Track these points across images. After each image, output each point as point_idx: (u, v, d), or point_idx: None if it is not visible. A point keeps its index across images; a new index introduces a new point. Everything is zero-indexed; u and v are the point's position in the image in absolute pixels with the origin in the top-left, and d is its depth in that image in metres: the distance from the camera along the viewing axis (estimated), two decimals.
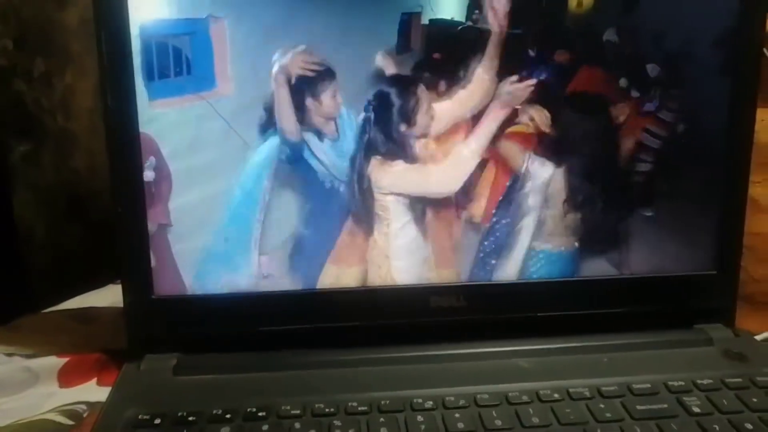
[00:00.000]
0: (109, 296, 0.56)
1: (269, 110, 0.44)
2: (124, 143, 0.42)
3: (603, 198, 0.48)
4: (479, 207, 0.47)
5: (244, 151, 0.44)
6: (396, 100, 0.45)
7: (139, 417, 0.39)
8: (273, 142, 0.45)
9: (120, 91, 0.42)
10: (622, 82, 0.46)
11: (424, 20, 0.44)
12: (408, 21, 0.44)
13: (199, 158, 0.44)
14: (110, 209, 0.43)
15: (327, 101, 0.45)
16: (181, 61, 0.43)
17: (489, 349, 0.46)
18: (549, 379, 0.43)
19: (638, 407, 0.40)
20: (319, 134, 0.45)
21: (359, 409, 0.40)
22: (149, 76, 0.42)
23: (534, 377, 0.43)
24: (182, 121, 0.43)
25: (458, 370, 0.44)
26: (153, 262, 0.44)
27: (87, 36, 0.72)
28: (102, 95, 0.42)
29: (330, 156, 0.46)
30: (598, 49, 0.46)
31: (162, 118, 0.43)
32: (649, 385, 0.42)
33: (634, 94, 0.47)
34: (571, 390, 0.42)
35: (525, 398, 0.41)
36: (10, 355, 0.48)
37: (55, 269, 0.78)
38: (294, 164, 0.45)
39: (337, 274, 0.46)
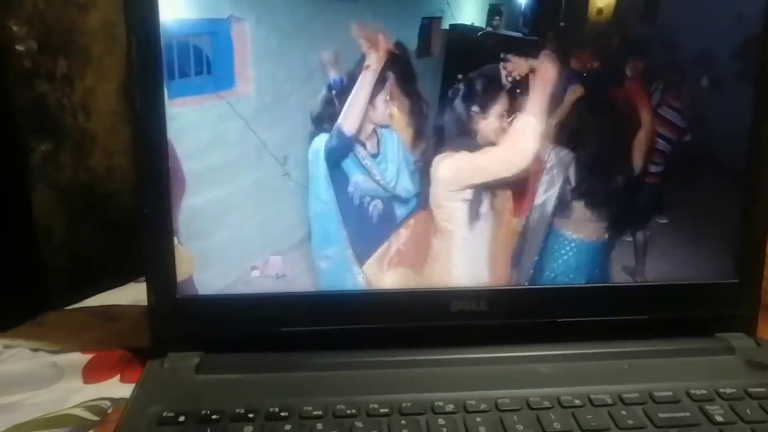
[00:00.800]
0: (131, 294, 0.57)
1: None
2: (150, 143, 0.43)
3: (623, 202, 0.48)
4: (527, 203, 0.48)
5: (261, 150, 0.44)
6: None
7: (164, 414, 0.39)
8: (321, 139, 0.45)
9: (147, 92, 0.42)
10: (644, 83, 0.46)
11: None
12: (428, 25, 0.44)
13: (217, 157, 0.44)
14: (128, 209, 0.44)
15: (380, 104, 0.45)
16: (202, 60, 0.43)
17: (509, 354, 0.46)
18: (570, 385, 0.43)
19: (660, 415, 0.40)
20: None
21: (381, 411, 0.40)
22: (170, 75, 0.42)
23: (555, 383, 0.43)
24: (201, 120, 0.43)
25: (479, 374, 0.44)
26: (177, 262, 0.44)
27: (108, 39, 0.73)
28: (131, 95, 0.43)
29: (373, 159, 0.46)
30: (623, 52, 0.46)
31: (180, 118, 0.43)
32: (670, 393, 0.42)
33: (655, 97, 0.47)
34: (592, 396, 0.42)
35: (546, 404, 0.41)
36: (35, 350, 0.48)
37: (73, 268, 0.79)
38: (338, 164, 0.46)
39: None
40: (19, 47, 0.69)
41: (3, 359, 0.47)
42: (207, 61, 0.43)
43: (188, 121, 0.43)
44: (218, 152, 0.44)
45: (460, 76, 0.45)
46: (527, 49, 0.45)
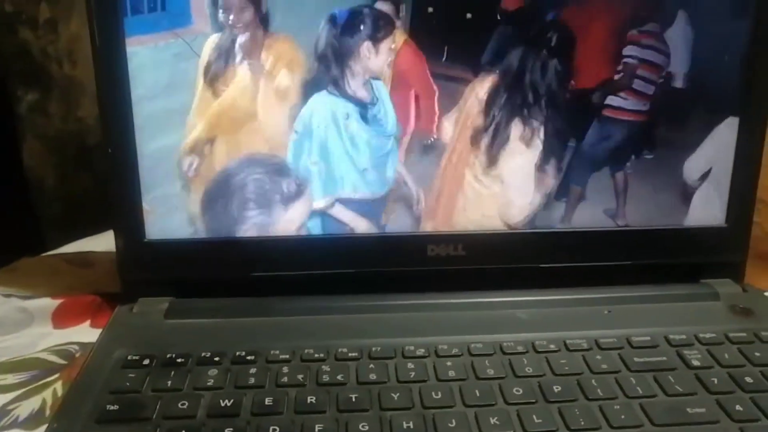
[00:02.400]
0: (109, 241, 0.56)
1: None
2: (108, 82, 0.41)
3: (602, 138, 0.46)
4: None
5: None
6: None
7: (129, 357, 0.39)
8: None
9: (105, 28, 0.40)
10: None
11: None
12: None
13: (176, 100, 0.42)
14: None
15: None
16: None
17: (487, 299, 0.45)
18: (547, 330, 0.42)
19: (636, 359, 0.39)
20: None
21: (349, 355, 0.39)
22: (122, 12, 0.40)
23: (531, 328, 0.42)
24: (157, 60, 0.41)
25: (454, 319, 0.43)
26: (145, 205, 0.43)
27: None
28: (90, 34, 0.41)
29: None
30: None
31: (135, 58, 0.41)
32: (648, 338, 0.41)
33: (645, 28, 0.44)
34: (568, 341, 0.41)
35: (520, 348, 0.40)
36: (8, 296, 0.48)
37: (65, 217, 0.79)
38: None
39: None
40: None
41: None
42: None
43: (143, 62, 0.41)
44: (176, 94, 0.42)
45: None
46: None
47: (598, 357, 0.39)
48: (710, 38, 0.44)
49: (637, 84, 0.45)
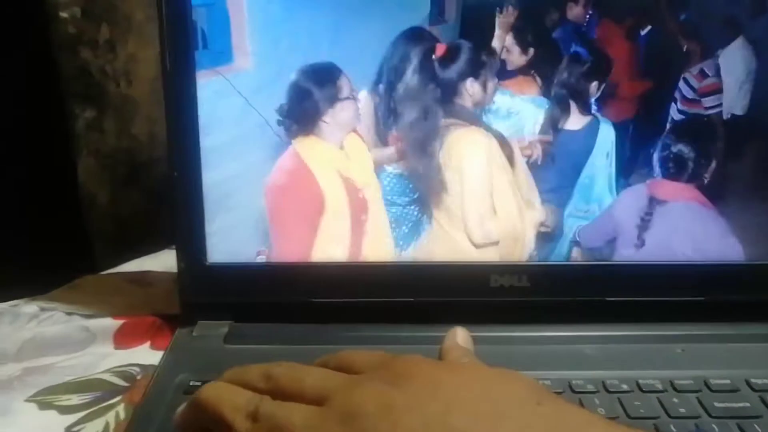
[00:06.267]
0: (165, 260, 0.56)
1: None
2: (181, 107, 0.41)
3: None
4: None
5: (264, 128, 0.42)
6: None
7: (190, 383, 0.38)
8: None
9: (177, 57, 0.41)
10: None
11: None
12: None
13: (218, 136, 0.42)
14: (168, 175, 0.43)
15: None
16: (197, 34, 0.41)
17: (552, 333, 0.44)
18: (617, 368, 0.40)
19: (716, 404, 0.37)
20: None
21: None
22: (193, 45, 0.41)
23: (600, 366, 0.41)
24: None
25: (518, 354, 0.42)
26: (207, 229, 0.43)
27: (149, 5, 0.72)
28: (161, 60, 0.41)
29: None
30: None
31: (204, 88, 0.41)
32: (728, 381, 0.39)
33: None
34: (641, 381, 0.39)
35: (590, 387, 0.38)
36: (70, 313, 0.48)
37: (116, 234, 0.80)
38: None
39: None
40: (63, 14, 0.69)
41: (39, 321, 0.47)
42: (203, 35, 0.41)
43: (212, 92, 0.41)
44: (218, 130, 0.42)
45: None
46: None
47: (675, 400, 0.37)
48: None
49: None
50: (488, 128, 0.44)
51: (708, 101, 0.43)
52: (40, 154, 0.74)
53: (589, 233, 0.45)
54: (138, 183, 0.80)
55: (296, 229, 0.44)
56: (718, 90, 0.43)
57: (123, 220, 0.80)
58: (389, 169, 0.44)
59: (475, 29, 0.42)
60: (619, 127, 0.44)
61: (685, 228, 0.45)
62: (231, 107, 0.42)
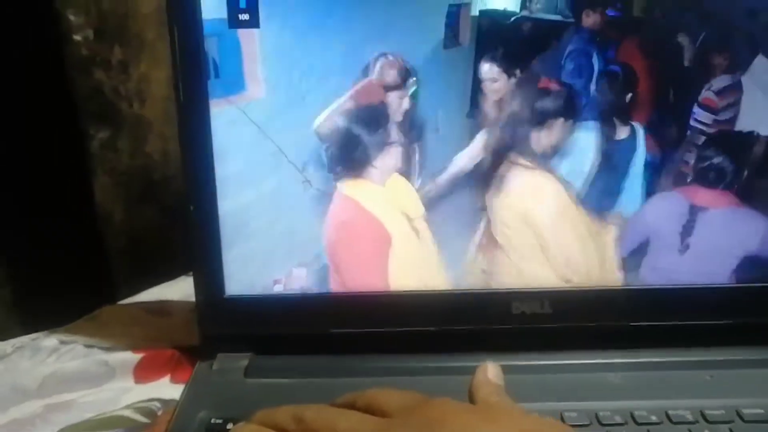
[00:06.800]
0: (183, 288, 0.56)
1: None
2: (195, 137, 0.41)
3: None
4: None
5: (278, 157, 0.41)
6: None
7: (212, 421, 0.38)
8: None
9: (190, 87, 0.40)
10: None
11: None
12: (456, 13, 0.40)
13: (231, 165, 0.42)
14: (183, 194, 0.43)
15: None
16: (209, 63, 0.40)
17: (576, 361, 0.43)
18: (644, 397, 0.39)
19: None
20: None
21: None
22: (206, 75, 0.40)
23: (627, 395, 0.40)
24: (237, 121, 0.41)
25: (542, 382, 0.41)
26: (225, 258, 0.43)
27: (161, 24, 0.72)
28: (175, 91, 0.41)
29: None
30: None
31: (218, 118, 0.41)
32: (762, 411, 0.38)
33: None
34: (670, 412, 0.38)
35: (618, 419, 0.38)
36: (89, 347, 0.48)
37: (132, 251, 0.80)
38: None
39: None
40: (77, 36, 0.70)
41: (59, 356, 0.47)
42: (214, 65, 0.40)
43: (226, 122, 0.41)
44: (231, 159, 0.41)
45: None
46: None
47: None
48: None
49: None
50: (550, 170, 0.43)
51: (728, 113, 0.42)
52: (55, 175, 0.74)
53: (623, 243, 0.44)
54: (153, 200, 0.80)
55: (364, 266, 0.44)
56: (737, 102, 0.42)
57: (139, 237, 0.80)
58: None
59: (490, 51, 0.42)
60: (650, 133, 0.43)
61: (726, 234, 0.44)
62: (244, 136, 0.41)
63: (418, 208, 0.43)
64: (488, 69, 0.42)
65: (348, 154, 0.42)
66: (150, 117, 0.78)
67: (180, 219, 0.44)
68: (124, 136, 0.78)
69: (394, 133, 0.42)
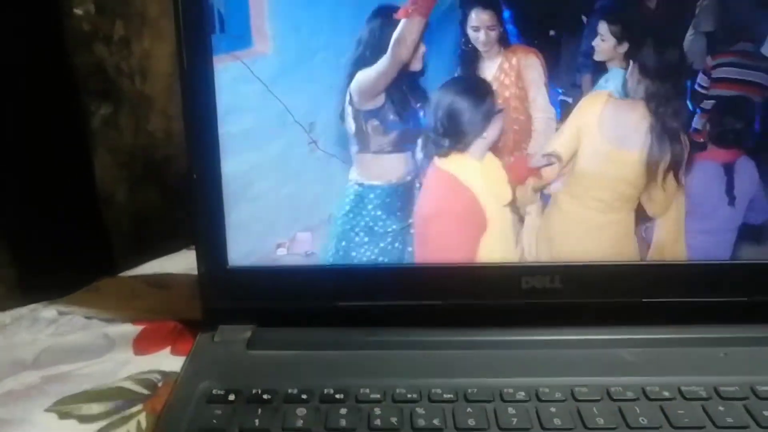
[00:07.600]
0: (185, 262, 0.55)
1: None
2: (198, 97, 0.40)
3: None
4: None
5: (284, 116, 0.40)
6: None
7: (213, 392, 0.37)
8: None
9: (193, 41, 0.39)
10: None
11: None
12: None
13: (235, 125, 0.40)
14: (185, 173, 0.42)
15: None
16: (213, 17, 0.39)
17: (587, 337, 0.42)
18: (657, 374, 0.38)
19: (765, 413, 0.35)
20: None
21: (444, 396, 0.37)
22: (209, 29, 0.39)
23: (639, 371, 0.39)
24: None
25: (553, 358, 0.40)
26: (227, 221, 0.42)
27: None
28: (177, 45, 0.40)
29: None
30: None
31: (222, 75, 0.39)
32: None
33: None
34: (683, 388, 0.37)
35: (630, 394, 0.37)
36: (89, 318, 0.47)
37: (134, 231, 0.79)
38: None
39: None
40: (78, 11, 0.68)
41: (58, 327, 0.46)
42: (219, 17, 0.39)
43: (230, 79, 0.39)
44: (236, 119, 0.40)
45: None
46: None
47: (721, 408, 0.36)
48: None
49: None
50: None
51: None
52: (55, 152, 0.73)
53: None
54: (155, 180, 0.79)
55: (455, 242, 0.43)
56: None
57: (140, 217, 0.79)
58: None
59: None
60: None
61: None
62: (250, 94, 0.40)
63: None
64: None
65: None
66: (152, 94, 0.77)
67: (182, 197, 0.43)
68: (125, 113, 0.77)
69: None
